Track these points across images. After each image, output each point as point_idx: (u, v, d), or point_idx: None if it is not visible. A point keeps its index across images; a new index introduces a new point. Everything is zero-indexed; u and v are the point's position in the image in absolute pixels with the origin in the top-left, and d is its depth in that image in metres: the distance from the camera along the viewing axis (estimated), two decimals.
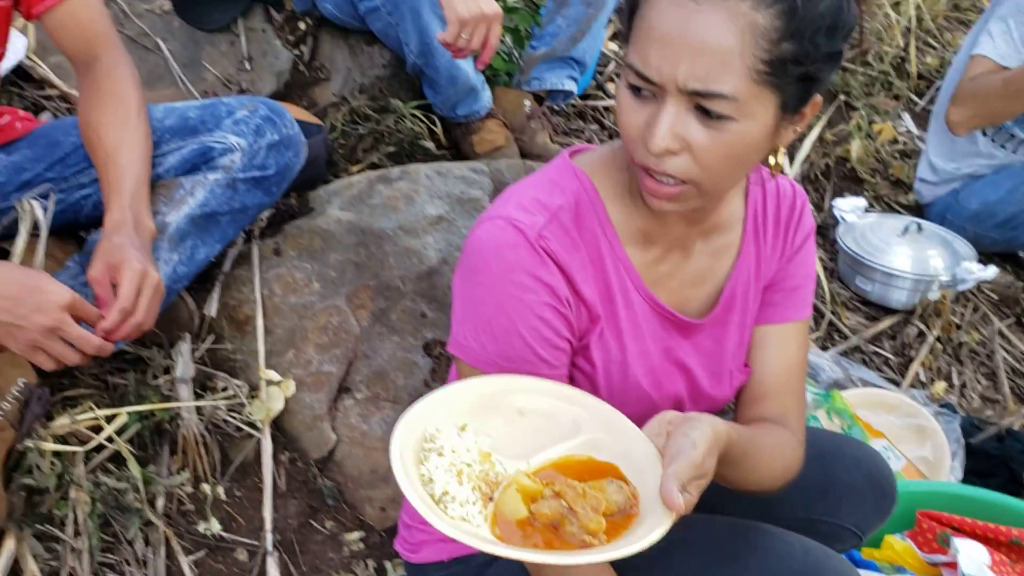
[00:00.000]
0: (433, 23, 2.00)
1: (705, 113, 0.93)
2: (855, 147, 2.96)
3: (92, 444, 1.45)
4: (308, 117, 2.09)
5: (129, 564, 1.42)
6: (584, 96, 2.85)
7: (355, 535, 1.62)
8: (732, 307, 1.20)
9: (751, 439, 1.05)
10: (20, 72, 2.07)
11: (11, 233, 1.49)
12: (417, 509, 0.84)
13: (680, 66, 0.91)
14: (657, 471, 0.89)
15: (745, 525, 1.15)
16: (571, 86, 2.42)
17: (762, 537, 1.13)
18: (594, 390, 1.13)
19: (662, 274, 1.15)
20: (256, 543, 1.53)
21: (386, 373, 1.75)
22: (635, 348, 1.14)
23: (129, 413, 1.50)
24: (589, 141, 2.68)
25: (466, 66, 2.13)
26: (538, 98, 2.42)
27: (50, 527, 1.40)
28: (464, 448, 0.93)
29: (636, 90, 0.96)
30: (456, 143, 2.34)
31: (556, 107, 2.62)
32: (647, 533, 0.84)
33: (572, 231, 1.07)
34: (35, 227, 1.47)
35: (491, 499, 0.90)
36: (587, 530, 0.86)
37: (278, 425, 1.67)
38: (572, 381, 1.14)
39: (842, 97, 3.25)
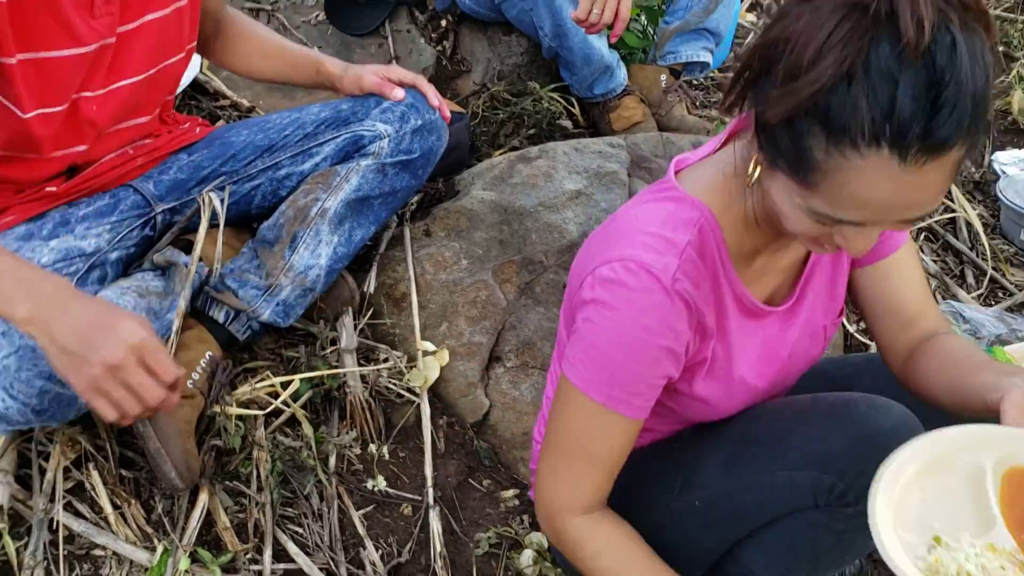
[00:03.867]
0: (565, 5, 2.07)
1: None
2: (1016, 99, 2.81)
3: (270, 408, 1.61)
4: (451, 106, 2.21)
5: (306, 517, 1.57)
6: (723, 68, 2.84)
7: (510, 492, 1.71)
8: (813, 276, 1.23)
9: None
10: (196, 86, 2.29)
11: (192, 226, 1.68)
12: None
13: (893, 216, 0.92)
14: None
15: None
16: (707, 57, 2.43)
17: None
18: (693, 395, 1.18)
19: (757, 274, 1.18)
20: (419, 499, 1.65)
21: (533, 342, 1.83)
22: (737, 349, 1.18)
23: (301, 380, 1.65)
24: None
25: (600, 45, 2.19)
26: (675, 72, 2.45)
27: (237, 483, 1.56)
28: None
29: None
30: (594, 122, 2.41)
31: (694, 80, 2.63)
32: None
33: (699, 265, 1.09)
34: (214, 216, 1.64)
35: None
36: None
37: (435, 392, 1.78)
38: (668, 393, 1.18)
39: (1001, 48, 3.09)
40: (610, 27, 1.96)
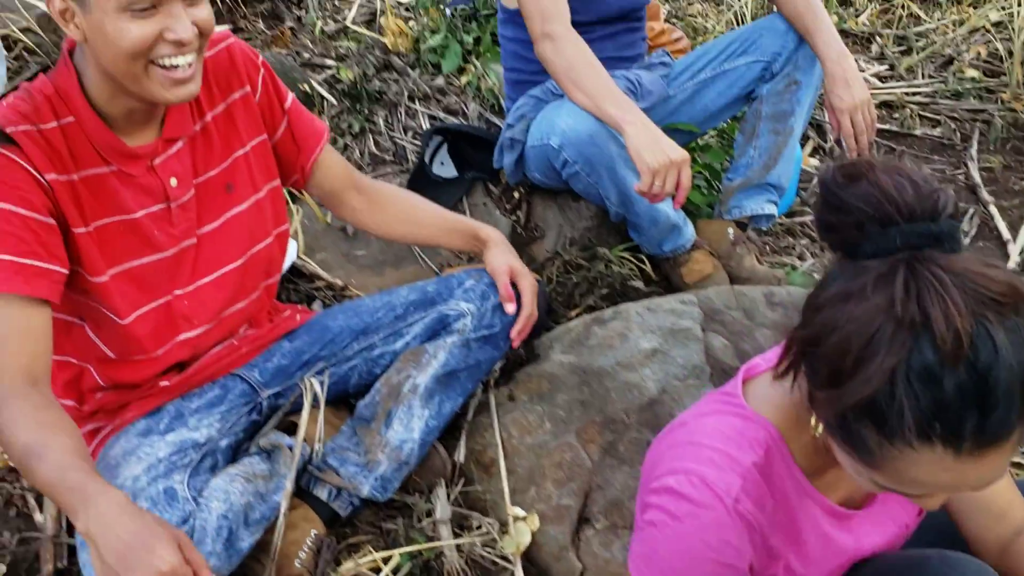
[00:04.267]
0: (628, 176, 2.20)
1: None
2: None
3: None
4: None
5: None
6: (790, 213, 2.93)
7: None
8: None
9: None
10: (294, 270, 2.48)
11: (295, 408, 1.81)
12: None
13: (958, 491, 0.96)
14: None
15: None
16: (771, 209, 2.52)
17: None
18: None
19: (831, 483, 1.17)
20: None
21: (621, 502, 1.87)
22: (814, 558, 1.18)
23: (401, 554, 1.72)
24: (800, 258, 2.75)
25: (665, 207, 2.31)
26: (741, 224, 2.54)
27: None
28: None
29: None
30: (666, 276, 2.50)
31: (761, 229, 2.72)
32: None
33: (763, 486, 1.10)
34: (315, 400, 1.77)
35: None
36: None
37: (528, 557, 1.83)
38: None
39: None
40: (672, 195, 2.07)
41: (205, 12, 1.40)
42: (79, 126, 1.46)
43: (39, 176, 1.40)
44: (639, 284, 2.40)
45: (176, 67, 1.37)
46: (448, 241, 2.01)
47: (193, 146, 1.59)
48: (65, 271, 1.44)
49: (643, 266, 2.48)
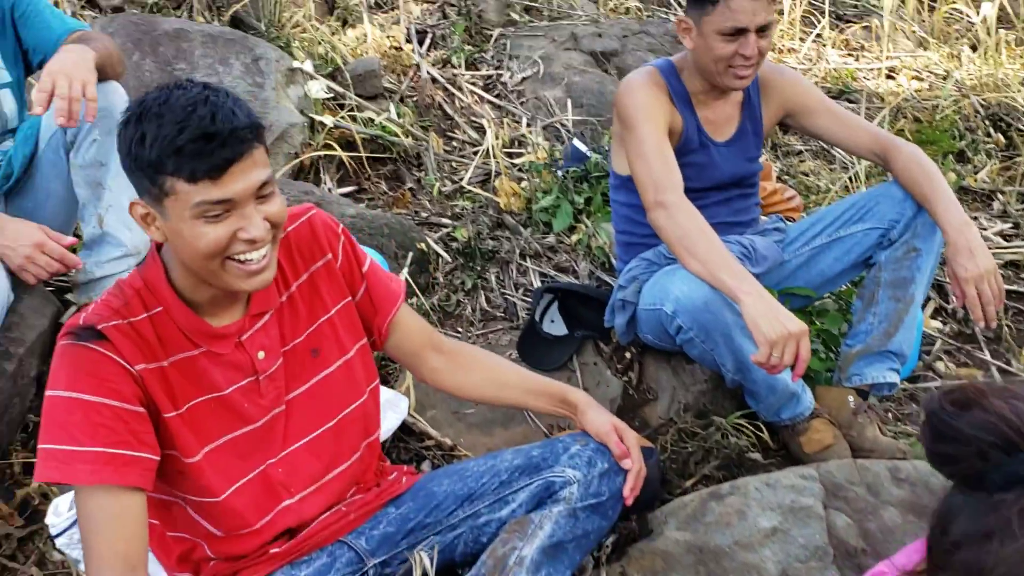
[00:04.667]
0: (745, 344, 2.16)
1: None
2: None
3: None
4: (642, 442, 2.28)
5: None
6: (913, 378, 2.81)
7: None
8: None
9: None
10: (404, 428, 2.49)
11: None
12: None
13: None
14: None
15: None
16: (893, 378, 2.42)
17: None
18: None
19: None
20: None
21: None
22: None
23: None
24: None
25: (784, 375, 2.25)
26: (862, 392, 2.44)
27: None
28: None
29: None
30: (784, 444, 2.41)
31: (882, 397, 2.61)
32: None
33: None
34: (424, 573, 1.74)
35: None
36: None
37: None
38: None
39: None
40: (792, 366, 2.02)
41: (276, 206, 1.44)
42: (167, 314, 1.51)
43: (129, 367, 1.45)
44: (757, 456, 2.31)
45: (251, 261, 1.43)
46: (534, 404, 1.98)
47: (280, 317, 1.64)
48: (156, 458, 1.48)
49: (760, 433, 2.40)
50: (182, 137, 1.32)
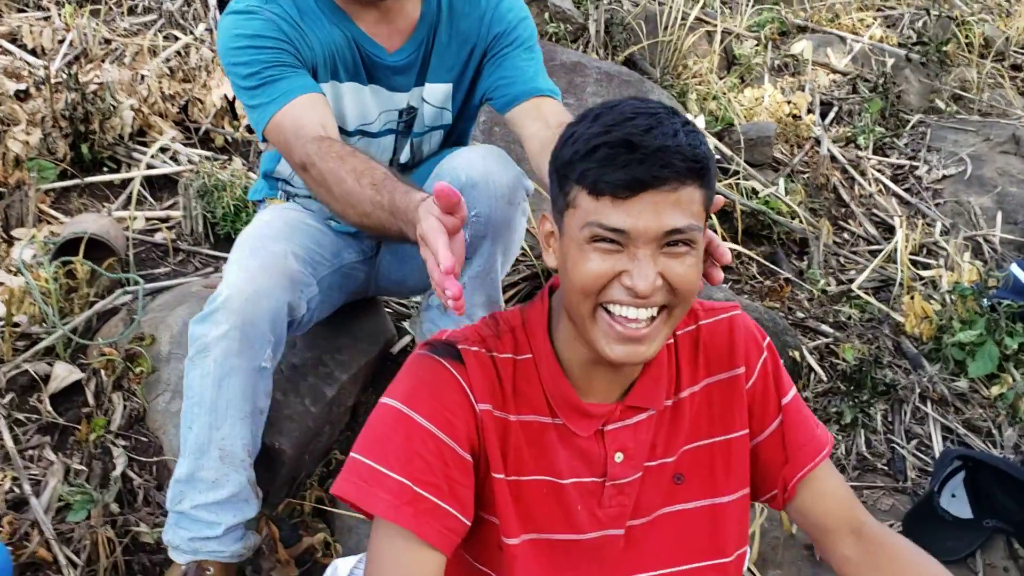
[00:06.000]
0: None
1: None
2: None
3: None
4: None
5: None
6: None
7: None
8: None
9: None
10: None
11: None
12: None
13: None
14: None
15: None
16: None
17: None
18: None
19: None
20: None
21: None
22: None
23: None
24: None
25: None
26: None
27: None
28: None
29: None
30: None
31: None
32: None
33: None
34: None
35: None
36: None
37: None
38: None
39: None
40: None
41: (683, 267, 1.13)
42: (535, 365, 1.25)
43: (474, 402, 1.21)
44: None
45: (625, 319, 1.13)
46: None
47: (658, 424, 1.30)
48: (465, 521, 1.18)
49: None
50: (603, 138, 1.09)
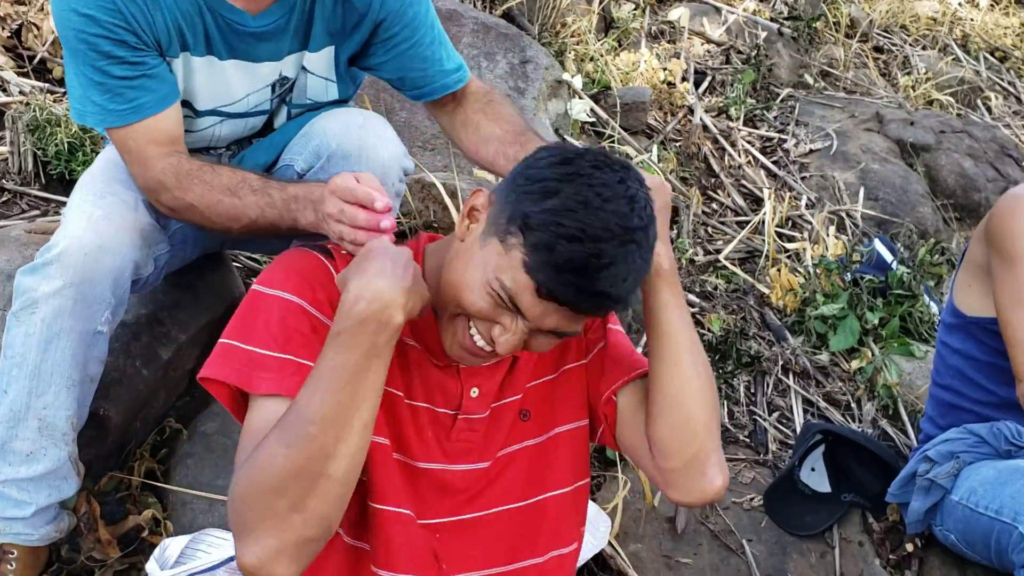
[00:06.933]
0: None
1: None
2: None
3: None
4: None
5: None
6: None
7: None
8: None
9: None
10: (599, 560, 1.93)
11: None
12: None
13: None
14: None
15: None
16: None
17: None
18: None
19: None
20: None
21: None
22: None
23: None
24: None
25: None
26: None
27: None
28: None
29: None
30: None
31: None
32: None
33: None
34: None
35: None
36: None
37: None
38: None
39: None
40: None
41: (546, 344, 1.20)
42: None
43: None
44: None
45: (475, 344, 1.19)
46: None
47: (510, 364, 1.35)
48: None
49: None
50: (571, 251, 1.10)
